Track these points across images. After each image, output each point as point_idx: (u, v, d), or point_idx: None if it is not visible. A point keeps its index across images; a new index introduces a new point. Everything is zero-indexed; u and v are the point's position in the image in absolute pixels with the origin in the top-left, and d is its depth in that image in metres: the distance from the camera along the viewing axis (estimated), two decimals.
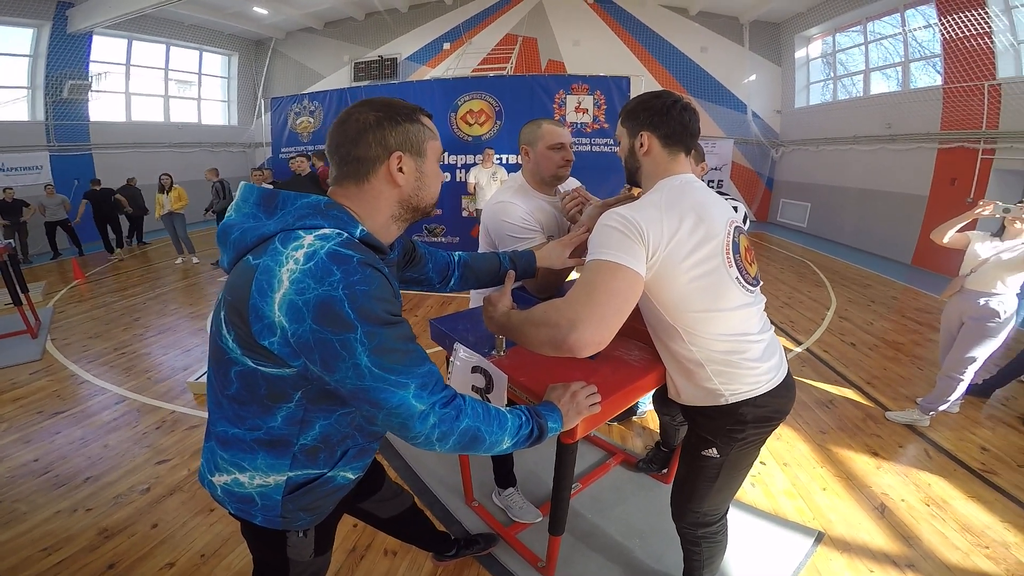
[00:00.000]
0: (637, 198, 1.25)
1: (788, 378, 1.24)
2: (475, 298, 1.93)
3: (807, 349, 3.97)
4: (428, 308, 4.92)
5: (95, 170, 9.03)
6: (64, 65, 8.59)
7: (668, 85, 10.00)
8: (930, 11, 6.92)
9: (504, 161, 6.39)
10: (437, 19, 10.84)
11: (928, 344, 4.04)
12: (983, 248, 2.59)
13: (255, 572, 1.09)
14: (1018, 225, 2.47)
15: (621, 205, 1.11)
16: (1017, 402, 3.10)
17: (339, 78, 11.44)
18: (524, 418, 0.95)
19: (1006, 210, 2.45)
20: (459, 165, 6.53)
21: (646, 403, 2.86)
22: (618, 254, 1.01)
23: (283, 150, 7.76)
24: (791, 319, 4.68)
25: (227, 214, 0.85)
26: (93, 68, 9.18)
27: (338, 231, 0.78)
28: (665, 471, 2.29)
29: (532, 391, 1.22)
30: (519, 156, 1.75)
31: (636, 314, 1.11)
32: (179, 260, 7.22)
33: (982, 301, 2.56)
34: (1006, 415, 2.95)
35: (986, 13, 5.96)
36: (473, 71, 9.75)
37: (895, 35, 7.75)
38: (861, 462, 2.49)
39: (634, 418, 2.86)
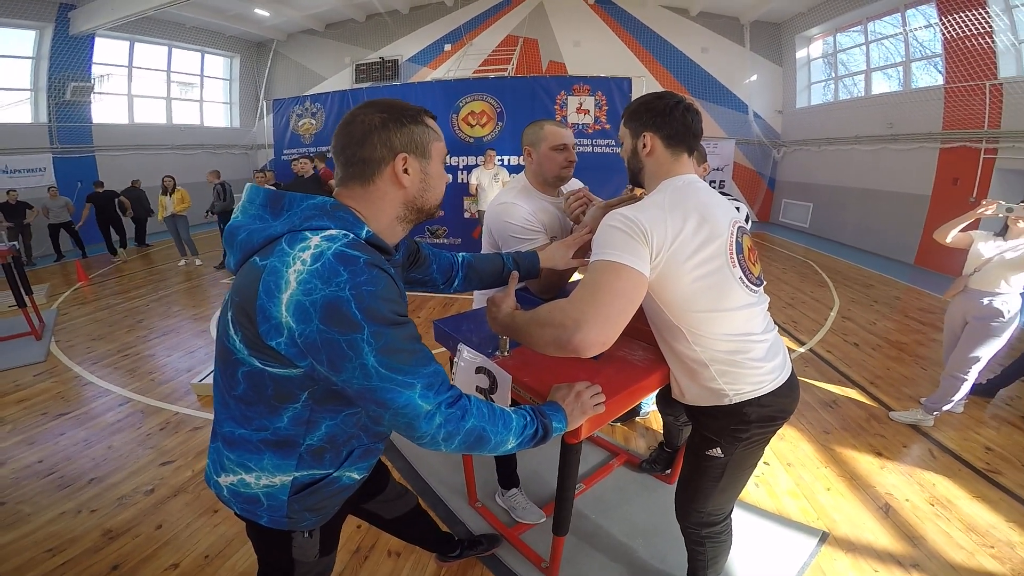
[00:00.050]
0: (640, 199, 1.26)
1: (792, 378, 1.24)
2: (478, 299, 1.93)
3: (810, 349, 3.96)
4: (431, 309, 4.92)
5: (98, 172, 9.07)
6: (67, 67, 8.62)
7: (669, 86, 10.01)
8: (931, 11, 6.91)
9: (506, 162, 6.40)
10: (438, 20, 10.87)
11: (931, 344, 4.03)
12: (986, 248, 2.59)
13: (260, 573, 1.09)
14: (1021, 224, 2.46)
15: (624, 206, 1.11)
16: (1021, 401, 3.10)
17: (340, 80, 11.48)
18: (529, 418, 0.95)
19: (1009, 209, 2.45)
20: (461, 166, 6.54)
21: (649, 404, 2.86)
22: (622, 255, 1.01)
23: (285, 152, 7.77)
24: (794, 319, 4.67)
25: (233, 215, 0.85)
26: (95, 70, 9.22)
27: (344, 232, 0.78)
28: (668, 471, 2.28)
29: (536, 391, 1.22)
30: (521, 157, 1.76)
31: (640, 314, 1.11)
32: (182, 262, 7.24)
33: (985, 301, 2.55)
34: (1010, 415, 2.94)
35: (987, 12, 5.95)
36: (474, 72, 9.76)
37: (896, 35, 7.74)
38: (865, 462, 2.49)
39: (637, 419, 2.86)
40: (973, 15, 6.10)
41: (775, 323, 1.26)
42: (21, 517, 2.10)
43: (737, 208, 1.40)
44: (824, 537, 1.97)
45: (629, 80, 6.56)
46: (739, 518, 1.82)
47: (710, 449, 1.24)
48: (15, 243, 4.40)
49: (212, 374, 3.03)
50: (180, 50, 10.74)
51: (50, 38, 8.43)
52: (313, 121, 7.51)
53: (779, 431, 1.31)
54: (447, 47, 10.79)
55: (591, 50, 10.30)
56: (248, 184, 0.87)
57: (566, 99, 6.53)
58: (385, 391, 0.75)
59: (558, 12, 10.44)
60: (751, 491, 2.25)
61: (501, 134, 6.53)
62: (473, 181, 6.14)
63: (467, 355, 1.25)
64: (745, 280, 1.13)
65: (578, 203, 1.59)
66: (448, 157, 0.94)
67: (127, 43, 9.73)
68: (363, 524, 1.94)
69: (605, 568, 1.82)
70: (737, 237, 1.13)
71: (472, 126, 6.64)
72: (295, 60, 12.04)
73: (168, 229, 7.15)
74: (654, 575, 1.80)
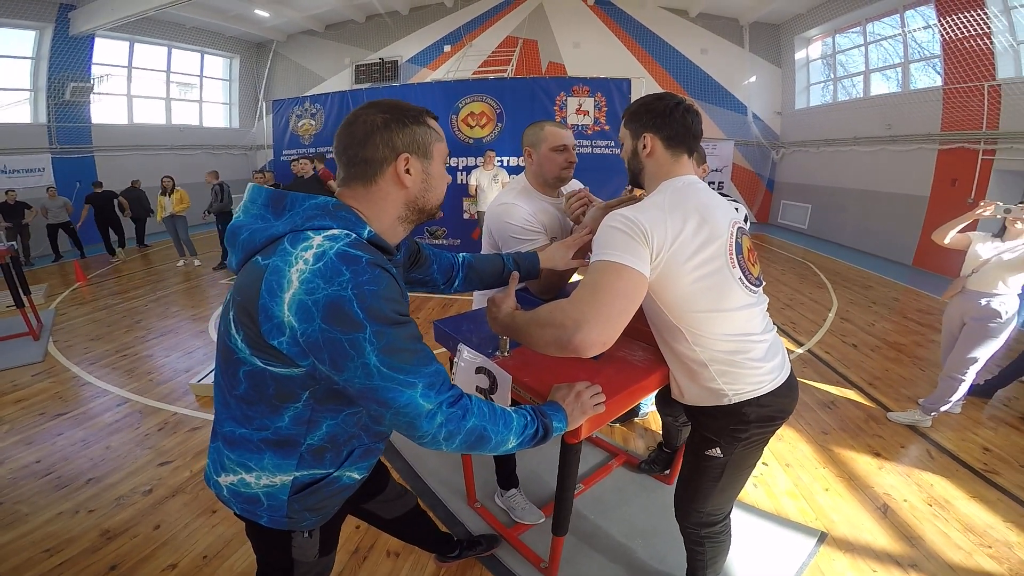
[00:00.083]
0: (639, 199, 1.26)
1: (791, 378, 1.25)
2: (478, 300, 1.93)
3: (808, 350, 3.97)
4: (430, 310, 4.93)
5: (97, 172, 9.06)
6: (66, 67, 8.61)
7: (668, 87, 10.02)
8: (929, 12, 6.94)
9: (505, 163, 6.40)
10: (438, 21, 10.87)
11: (929, 345, 4.04)
12: (984, 249, 2.59)
13: (259, 573, 1.09)
14: (1019, 226, 2.47)
15: (624, 206, 1.12)
16: (1019, 402, 3.10)
17: (340, 80, 11.48)
18: (529, 418, 0.95)
19: (1007, 211, 2.46)
20: (460, 167, 6.54)
21: (648, 404, 2.86)
22: (622, 255, 1.02)
23: (284, 152, 7.76)
24: (792, 320, 4.68)
25: (235, 215, 0.85)
26: (95, 70, 9.21)
27: (347, 232, 0.78)
28: (667, 472, 2.29)
29: (536, 391, 1.22)
30: (520, 158, 1.76)
31: (639, 315, 1.11)
32: (181, 262, 7.23)
33: (983, 302, 2.56)
34: (1008, 415, 2.95)
35: (985, 14, 5.97)
36: (474, 73, 9.76)
37: (895, 36, 7.76)
38: (863, 463, 2.49)
39: (636, 419, 2.87)
40: (971, 16, 6.12)
41: (774, 324, 1.26)
42: (19, 517, 2.10)
43: (736, 209, 1.40)
44: (823, 537, 1.98)
45: (628, 81, 6.57)
46: (738, 518, 1.83)
47: (709, 449, 1.24)
48: (13, 243, 4.40)
49: (211, 374, 3.04)
50: (180, 50, 10.74)
51: (50, 38, 8.42)
52: (313, 122, 7.50)
53: (778, 432, 1.31)
54: (447, 48, 10.80)
55: (591, 51, 10.31)
56: (250, 184, 0.87)
57: (565, 100, 6.54)
58: (387, 390, 0.76)
59: (558, 13, 10.45)
60: (750, 491, 2.26)
61: (500, 135, 6.54)
62: (472, 182, 6.14)
63: (467, 355, 1.25)
64: (745, 280, 1.13)
65: (579, 203, 1.59)
66: (448, 158, 0.95)
67: (127, 43, 9.72)
68: (362, 524, 1.94)
69: (604, 568, 1.82)
70: (737, 238, 1.13)
71: (472, 127, 6.64)
72: (295, 61, 12.04)
73: (167, 229, 7.14)
74: (653, 575, 1.80)
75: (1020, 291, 2.55)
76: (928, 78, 7.31)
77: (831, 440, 2.69)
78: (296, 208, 0.80)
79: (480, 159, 6.23)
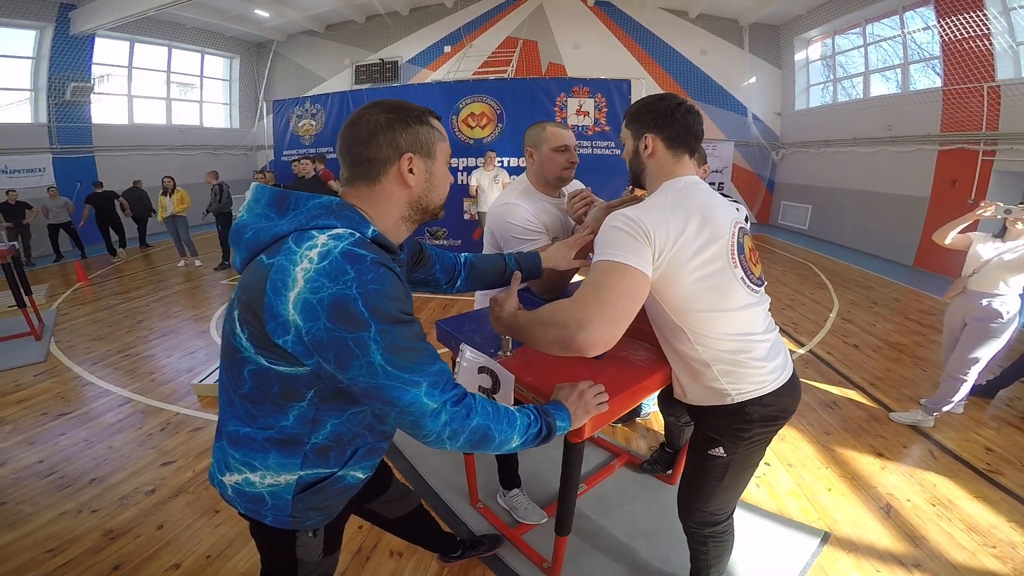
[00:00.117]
0: (640, 200, 1.26)
1: (793, 377, 1.25)
2: (480, 300, 1.93)
3: (810, 351, 3.97)
4: (431, 311, 4.93)
5: (97, 172, 9.07)
6: (67, 67, 8.62)
7: (669, 88, 10.03)
8: (929, 13, 6.94)
9: (505, 164, 6.41)
10: (438, 22, 10.88)
11: (931, 345, 4.04)
12: (985, 249, 2.60)
13: (263, 573, 1.09)
14: (1019, 226, 2.47)
15: (625, 207, 1.12)
16: (1021, 402, 3.11)
17: (340, 81, 11.49)
18: (533, 417, 0.96)
19: (1007, 211, 2.46)
20: (461, 168, 6.55)
21: (650, 405, 2.86)
22: (625, 255, 1.02)
23: (285, 153, 7.77)
24: (794, 321, 4.68)
25: (239, 214, 0.85)
26: (95, 70, 9.22)
27: (351, 231, 0.79)
28: (670, 472, 2.29)
29: (539, 391, 1.23)
30: (521, 159, 1.77)
31: (642, 315, 1.11)
32: (181, 263, 7.23)
33: (985, 302, 2.56)
34: (1010, 415, 2.95)
35: (984, 15, 5.98)
36: (474, 74, 9.77)
37: (894, 37, 7.77)
38: (866, 463, 2.49)
39: (638, 419, 2.87)
40: (971, 18, 6.13)
41: (775, 324, 1.27)
42: (22, 517, 2.10)
43: (737, 209, 1.41)
44: (826, 537, 1.98)
45: (628, 82, 6.58)
46: (741, 518, 1.83)
47: (713, 448, 1.25)
48: (15, 243, 4.39)
49: (212, 375, 3.03)
50: (180, 51, 10.74)
51: (50, 38, 8.43)
52: (313, 122, 7.51)
53: (780, 432, 1.31)
54: (447, 49, 10.81)
55: (591, 52, 10.32)
56: (253, 183, 0.87)
57: (566, 101, 6.55)
58: (391, 389, 0.76)
59: (558, 14, 10.46)
60: (752, 492, 2.26)
61: (501, 136, 6.55)
62: (473, 183, 6.14)
63: (470, 355, 1.25)
64: (746, 280, 1.13)
65: (581, 203, 1.60)
66: (450, 158, 0.95)
67: (127, 43, 9.73)
68: (365, 524, 1.94)
69: (607, 568, 1.82)
70: (738, 238, 1.14)
71: (472, 128, 6.65)
72: (295, 61, 12.05)
73: (168, 230, 7.14)
74: (656, 575, 1.80)
75: (1021, 291, 2.55)
76: (928, 79, 7.32)
77: (833, 440, 2.69)
78: (300, 207, 0.80)
79: (480, 160, 6.24)
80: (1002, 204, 2.47)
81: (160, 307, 5.29)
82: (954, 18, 6.34)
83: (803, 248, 8.52)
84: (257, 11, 10.21)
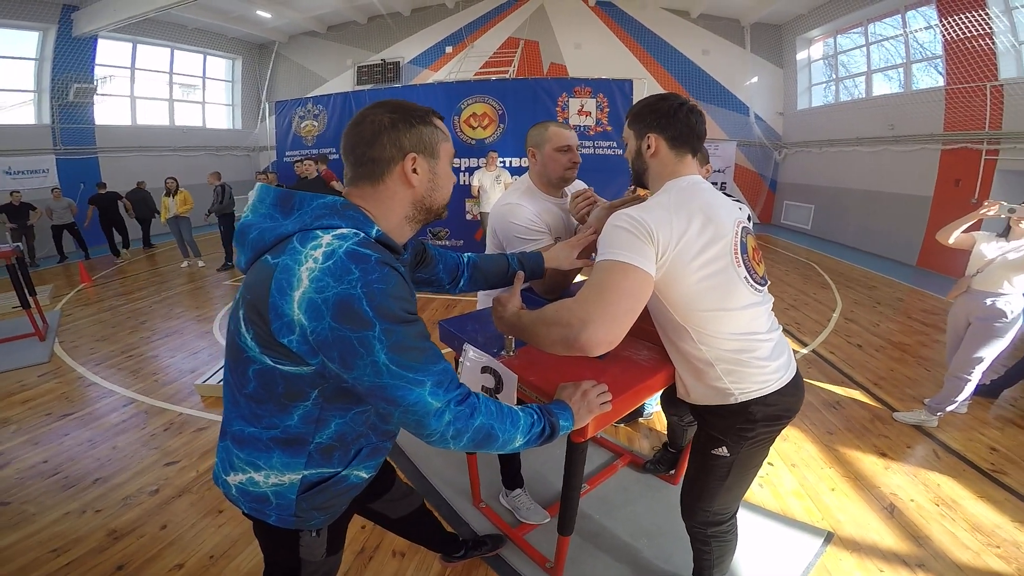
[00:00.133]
0: (643, 199, 1.26)
1: (797, 377, 1.25)
2: (482, 300, 1.94)
3: (813, 351, 3.96)
4: (433, 311, 4.93)
5: (101, 174, 9.10)
6: (70, 69, 8.66)
7: (670, 88, 10.02)
8: (931, 12, 6.92)
9: (507, 164, 6.41)
10: (439, 23, 10.89)
11: (935, 345, 4.03)
12: (989, 248, 2.59)
13: (266, 572, 1.09)
14: (1023, 225, 2.46)
15: (628, 206, 1.12)
16: None
17: (342, 82, 11.51)
18: (536, 416, 0.96)
19: (1011, 210, 2.45)
20: (463, 168, 6.55)
21: (653, 405, 2.86)
22: (628, 254, 1.02)
23: (287, 154, 7.79)
24: (797, 321, 4.67)
25: (244, 214, 0.86)
26: (98, 72, 9.26)
27: (355, 231, 0.79)
28: (672, 472, 2.28)
29: (542, 390, 1.23)
30: (523, 159, 1.77)
31: (645, 314, 1.11)
32: (185, 264, 7.25)
33: (989, 301, 2.55)
34: (1014, 415, 2.94)
35: (987, 14, 5.96)
36: (475, 74, 9.78)
37: (896, 36, 7.75)
38: (869, 463, 2.49)
39: (641, 420, 2.86)
40: (973, 17, 6.11)
41: (779, 323, 1.27)
42: (26, 517, 2.11)
43: (739, 208, 1.41)
44: (829, 537, 1.97)
45: (630, 82, 6.58)
46: (744, 518, 1.82)
47: (716, 448, 1.24)
48: (19, 244, 4.41)
49: (215, 375, 3.03)
50: (182, 52, 10.79)
51: (53, 39, 8.47)
52: (315, 123, 7.53)
53: (783, 432, 1.31)
54: (448, 49, 10.82)
55: (592, 52, 10.31)
56: (258, 184, 0.87)
57: (567, 101, 6.55)
58: (395, 388, 0.76)
59: (559, 14, 10.46)
60: (755, 491, 2.25)
61: (503, 136, 6.55)
62: (475, 183, 6.15)
63: (473, 355, 1.25)
64: (750, 279, 1.13)
65: (584, 203, 1.60)
66: (454, 158, 0.95)
67: (130, 44, 9.77)
68: (368, 524, 1.94)
69: (610, 568, 1.82)
70: (742, 237, 1.14)
71: (474, 128, 6.66)
72: (297, 62, 12.08)
73: (171, 231, 7.16)
74: (659, 575, 1.80)
75: None
76: (930, 78, 7.29)
77: (837, 440, 2.68)
78: (305, 207, 0.81)
79: (482, 160, 6.24)
80: (1006, 203, 2.46)
81: (163, 308, 5.31)
82: (956, 17, 6.32)
83: (806, 248, 8.50)
84: (259, 12, 10.24)
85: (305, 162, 5.82)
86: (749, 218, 1.28)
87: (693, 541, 1.46)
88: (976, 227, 2.72)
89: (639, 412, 2.85)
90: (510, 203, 1.70)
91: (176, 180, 6.99)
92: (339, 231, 0.77)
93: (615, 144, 6.42)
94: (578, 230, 1.65)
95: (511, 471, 2.07)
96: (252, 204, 0.85)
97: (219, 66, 11.83)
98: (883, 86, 8.24)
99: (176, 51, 10.63)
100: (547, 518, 2.00)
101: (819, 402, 3.10)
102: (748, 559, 1.83)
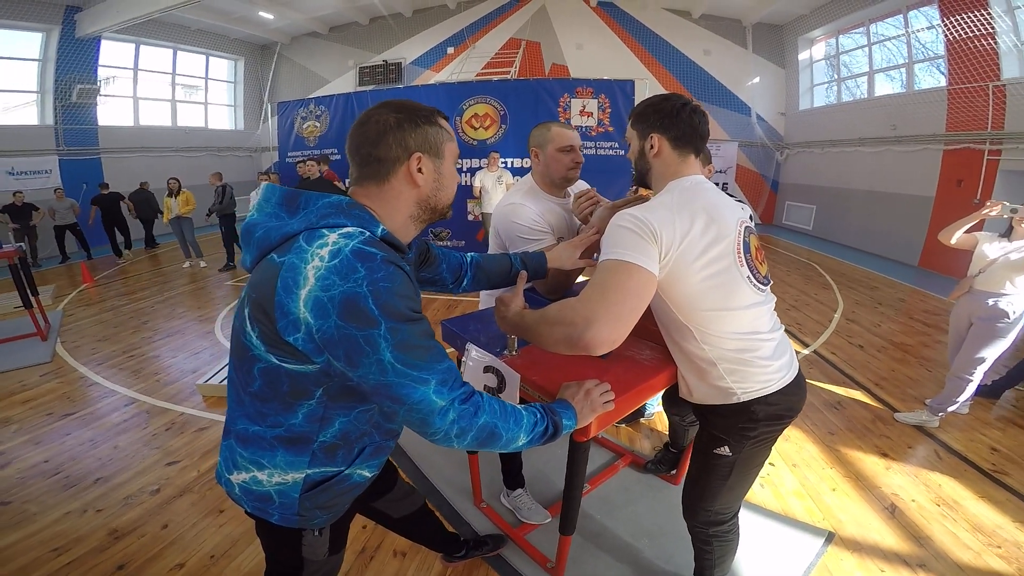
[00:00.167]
0: (645, 200, 1.26)
1: (799, 376, 1.25)
2: (484, 300, 1.94)
3: (814, 351, 3.96)
4: (435, 311, 4.94)
5: (103, 174, 9.12)
6: (73, 69, 8.69)
7: (672, 88, 10.02)
8: (933, 12, 6.92)
9: (509, 165, 6.41)
10: (441, 23, 10.90)
11: (936, 346, 4.02)
12: (991, 249, 2.59)
13: (268, 571, 1.09)
14: None
15: (631, 207, 1.12)
16: None
17: (344, 82, 11.52)
18: (539, 415, 0.96)
19: (1013, 210, 2.45)
20: (464, 169, 6.56)
21: (654, 405, 2.86)
22: (632, 254, 1.02)
23: (290, 154, 7.80)
24: (798, 321, 4.66)
25: (250, 213, 0.86)
26: (101, 72, 9.29)
27: (361, 230, 0.79)
28: (674, 472, 2.28)
29: (545, 389, 1.23)
30: (525, 159, 1.77)
31: (647, 314, 1.12)
32: (187, 264, 7.26)
33: (991, 302, 2.55)
34: (1016, 416, 2.93)
35: (989, 14, 5.95)
36: (477, 75, 9.79)
37: (898, 36, 7.74)
38: (870, 463, 2.48)
39: (642, 420, 2.86)
40: (975, 16, 6.10)
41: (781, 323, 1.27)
42: (27, 516, 2.11)
43: (742, 208, 1.41)
44: (830, 537, 1.97)
45: (632, 83, 6.58)
46: (745, 518, 1.82)
47: (718, 447, 1.24)
48: (21, 244, 4.43)
49: (217, 375, 3.03)
50: (185, 53, 10.82)
51: (56, 40, 8.50)
52: (317, 124, 7.54)
53: (784, 432, 1.31)
54: (450, 50, 10.84)
55: (594, 53, 10.32)
56: (264, 183, 0.88)
57: (569, 101, 6.55)
58: (401, 386, 0.76)
59: (560, 15, 10.47)
60: (757, 492, 2.25)
61: (504, 136, 6.56)
62: (476, 183, 6.15)
63: (475, 354, 1.26)
64: (752, 279, 1.13)
65: (587, 203, 1.60)
66: (458, 158, 0.96)
67: (132, 45, 9.80)
68: (369, 524, 1.95)
69: (611, 568, 1.82)
70: (744, 237, 1.14)
71: (476, 129, 6.66)
72: (299, 63, 12.11)
73: (173, 231, 7.17)
74: (660, 575, 1.80)
75: None
76: (932, 78, 7.29)
77: (838, 440, 2.68)
78: (310, 206, 0.81)
79: (484, 161, 6.25)
80: (1008, 203, 2.46)
81: (165, 308, 5.32)
82: (958, 17, 6.31)
83: (807, 248, 8.49)
84: (261, 13, 10.26)
85: (307, 163, 5.83)
86: (751, 218, 1.29)
87: (695, 541, 1.46)
88: (978, 227, 2.71)
89: (640, 412, 2.85)
90: (513, 203, 1.70)
91: (179, 180, 7.00)
92: (345, 230, 0.78)
93: (617, 145, 6.43)
94: (581, 230, 1.65)
95: (512, 471, 2.07)
96: (258, 203, 0.85)
97: (221, 67, 11.87)
98: (885, 86, 8.23)
99: (179, 52, 10.67)
100: (548, 518, 2.00)
101: (820, 402, 3.09)
102: (749, 559, 1.83)
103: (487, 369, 1.23)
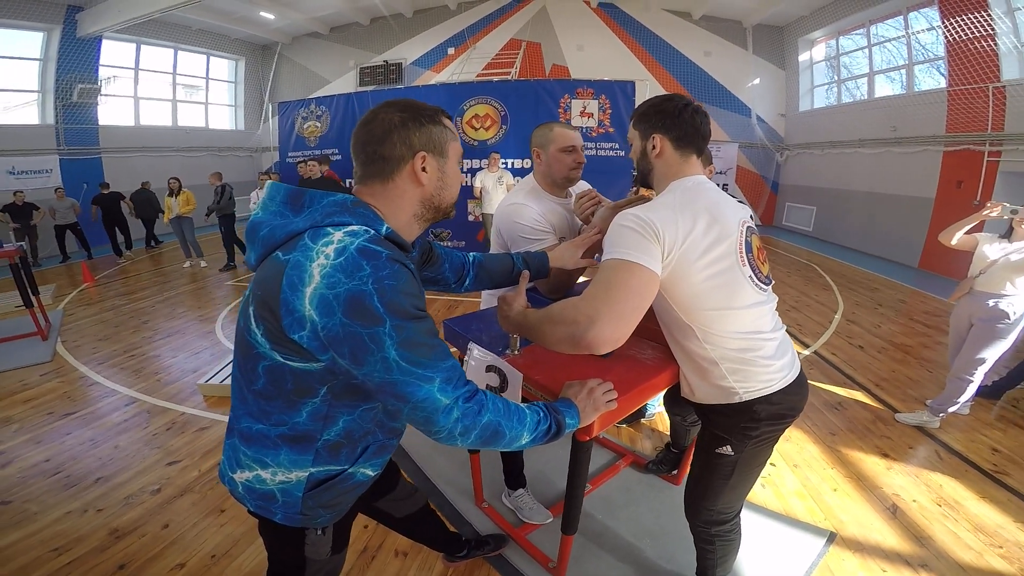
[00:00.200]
0: (647, 200, 1.27)
1: (801, 376, 1.25)
2: (486, 300, 1.94)
3: (815, 352, 3.96)
4: (435, 311, 4.94)
5: (104, 174, 9.12)
6: (74, 69, 8.69)
7: (672, 89, 10.01)
8: (933, 14, 6.93)
9: (510, 165, 6.41)
10: (441, 24, 10.91)
11: (936, 347, 4.02)
12: (991, 250, 2.59)
13: (269, 571, 1.09)
14: None
15: (632, 206, 1.12)
16: None
17: (345, 83, 11.53)
18: (542, 414, 0.96)
19: (1014, 211, 2.45)
20: (465, 169, 6.56)
21: (655, 405, 2.86)
22: (634, 253, 1.02)
23: (290, 154, 7.81)
24: (799, 322, 4.66)
25: (255, 212, 0.86)
26: (102, 72, 9.29)
27: (365, 228, 0.79)
28: (675, 472, 2.28)
29: (547, 389, 1.23)
30: (525, 160, 1.78)
31: (649, 313, 1.12)
32: (187, 264, 7.25)
33: (991, 303, 2.55)
34: (1016, 416, 2.93)
35: (989, 15, 5.96)
36: (478, 76, 9.80)
37: (898, 38, 7.75)
38: (872, 463, 2.48)
39: (643, 420, 2.86)
40: (975, 18, 6.11)
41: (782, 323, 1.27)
42: (27, 516, 2.11)
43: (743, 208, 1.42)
44: (832, 537, 1.97)
45: (633, 83, 6.59)
46: (746, 518, 1.82)
47: (720, 447, 1.25)
48: (22, 244, 4.43)
49: (217, 375, 3.02)
50: (186, 52, 10.83)
51: (58, 40, 8.51)
52: (318, 124, 7.54)
53: (785, 432, 1.31)
54: (451, 51, 10.85)
55: (594, 54, 10.33)
56: (269, 182, 0.88)
57: (570, 102, 6.56)
58: (405, 384, 0.76)
59: (561, 16, 10.48)
60: (758, 492, 2.25)
61: (505, 137, 6.56)
62: (477, 184, 6.16)
63: (478, 353, 1.26)
64: (754, 279, 1.14)
65: (589, 203, 1.61)
66: (462, 158, 0.96)
67: (133, 45, 9.81)
68: (371, 523, 1.95)
69: (613, 568, 1.82)
70: (746, 236, 1.14)
71: (476, 129, 6.67)
72: (299, 63, 12.11)
73: (173, 231, 7.17)
74: (662, 575, 1.80)
75: None
76: (932, 80, 7.30)
77: (839, 441, 2.68)
78: (315, 205, 0.81)
79: (485, 161, 6.25)
80: (1008, 204, 2.46)
81: (166, 307, 5.32)
82: (958, 18, 6.32)
83: (807, 249, 8.49)
84: (262, 13, 10.28)
85: (309, 163, 5.84)
86: (752, 217, 1.29)
87: (697, 540, 1.46)
88: (979, 229, 2.72)
89: (641, 413, 2.85)
90: (515, 203, 1.70)
91: (179, 180, 7.00)
92: (350, 228, 0.78)
93: (617, 145, 6.43)
94: (582, 230, 1.65)
95: (514, 471, 2.07)
96: (263, 201, 0.85)
97: (222, 67, 11.88)
98: (885, 88, 8.24)
99: (180, 52, 10.68)
100: (550, 518, 2.00)
101: (821, 403, 3.10)
102: (751, 559, 1.83)
103: (490, 368, 1.23)
